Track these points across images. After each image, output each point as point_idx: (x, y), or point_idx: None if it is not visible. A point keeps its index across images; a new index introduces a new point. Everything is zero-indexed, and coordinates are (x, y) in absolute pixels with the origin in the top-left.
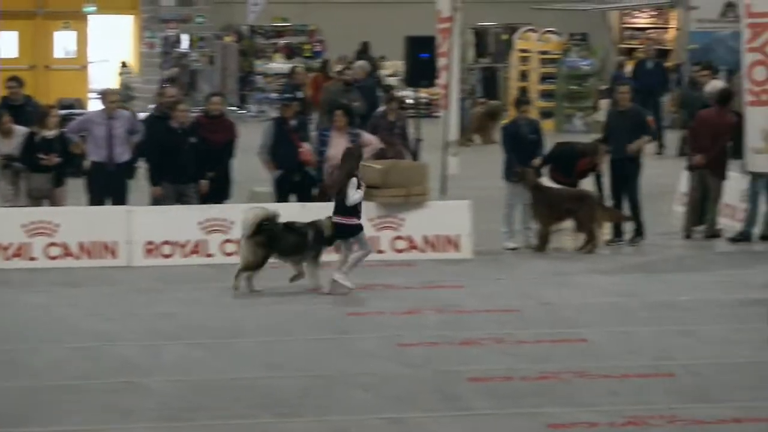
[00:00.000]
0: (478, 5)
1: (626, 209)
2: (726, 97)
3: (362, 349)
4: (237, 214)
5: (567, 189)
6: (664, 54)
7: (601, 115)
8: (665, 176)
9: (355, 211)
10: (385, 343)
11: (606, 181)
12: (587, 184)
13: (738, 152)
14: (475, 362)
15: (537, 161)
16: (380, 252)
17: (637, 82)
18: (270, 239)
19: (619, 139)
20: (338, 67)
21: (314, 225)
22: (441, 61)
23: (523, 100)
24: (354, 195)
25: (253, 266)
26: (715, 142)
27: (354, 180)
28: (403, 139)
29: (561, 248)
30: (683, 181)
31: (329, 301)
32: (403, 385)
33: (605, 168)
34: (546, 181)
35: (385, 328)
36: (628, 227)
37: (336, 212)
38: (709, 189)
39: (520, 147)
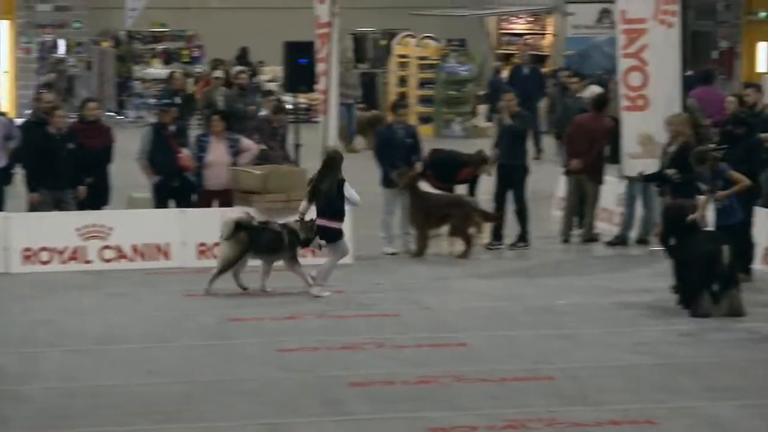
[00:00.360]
0: (356, 11)
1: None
2: (602, 103)
3: (243, 354)
4: (115, 220)
5: (444, 194)
6: (541, 60)
7: (479, 121)
8: (543, 181)
9: (340, 215)
10: (265, 348)
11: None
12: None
13: (615, 157)
14: (355, 367)
15: (418, 167)
16: None
17: (513, 87)
18: (250, 237)
19: (506, 145)
20: (218, 73)
21: (287, 226)
22: (320, 67)
23: (399, 104)
24: (354, 195)
25: (233, 264)
26: (591, 147)
27: (346, 183)
28: (282, 145)
29: (440, 253)
30: (561, 186)
31: (209, 306)
32: (284, 391)
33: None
34: (424, 186)
35: (265, 334)
36: (511, 231)
37: (321, 215)
38: (586, 193)
39: (396, 151)
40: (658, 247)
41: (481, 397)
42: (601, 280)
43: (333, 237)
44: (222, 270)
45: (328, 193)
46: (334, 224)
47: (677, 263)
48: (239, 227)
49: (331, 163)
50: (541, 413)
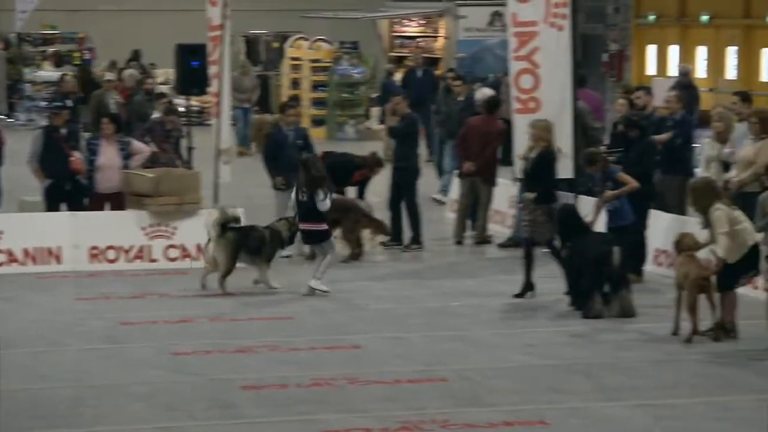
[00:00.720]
0: (248, 13)
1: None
2: (494, 105)
3: (135, 358)
4: (6, 224)
5: (336, 198)
6: (433, 62)
7: (372, 123)
8: (436, 183)
9: (322, 216)
10: (158, 351)
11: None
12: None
13: (507, 159)
14: (248, 370)
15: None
16: (153, 261)
17: (407, 90)
18: (238, 238)
19: (396, 148)
20: (109, 75)
21: (270, 227)
22: (212, 69)
23: (287, 104)
24: (326, 201)
25: (234, 261)
26: (484, 149)
27: (324, 187)
28: (176, 148)
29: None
30: (454, 188)
31: (101, 310)
32: (176, 394)
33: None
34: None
35: (158, 337)
36: (408, 232)
37: (304, 219)
38: (479, 195)
39: (287, 154)
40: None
41: (374, 399)
42: (494, 281)
43: (322, 238)
44: (227, 271)
45: (308, 198)
46: (319, 226)
47: (569, 265)
48: (225, 228)
49: (307, 168)
50: (434, 415)
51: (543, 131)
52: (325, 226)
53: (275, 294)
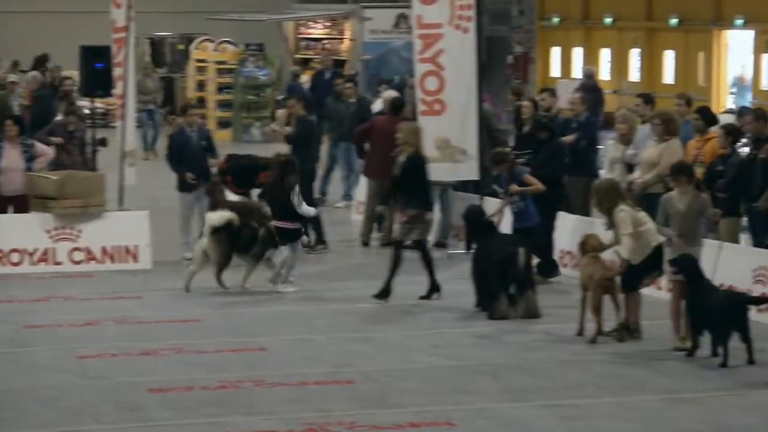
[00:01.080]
0: (153, 15)
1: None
2: (398, 106)
3: (40, 362)
4: None
5: (238, 201)
6: (340, 65)
7: (278, 125)
8: (340, 185)
9: (295, 215)
10: (63, 355)
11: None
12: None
13: None
14: (155, 373)
15: (214, 163)
16: (58, 264)
17: (315, 92)
18: (230, 235)
19: (294, 150)
20: (12, 77)
21: (267, 227)
22: (117, 71)
23: (188, 105)
24: (303, 205)
25: (228, 258)
26: (389, 150)
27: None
28: (81, 149)
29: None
30: (361, 190)
31: (4, 313)
32: (82, 398)
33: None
34: (223, 191)
35: (63, 341)
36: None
37: (277, 217)
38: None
39: (191, 155)
40: (456, 251)
41: (281, 401)
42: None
43: (292, 237)
44: (220, 267)
45: (279, 196)
46: (292, 225)
47: (475, 266)
48: (218, 229)
49: (281, 167)
50: (341, 416)
51: (411, 136)
52: (297, 225)
53: (180, 295)
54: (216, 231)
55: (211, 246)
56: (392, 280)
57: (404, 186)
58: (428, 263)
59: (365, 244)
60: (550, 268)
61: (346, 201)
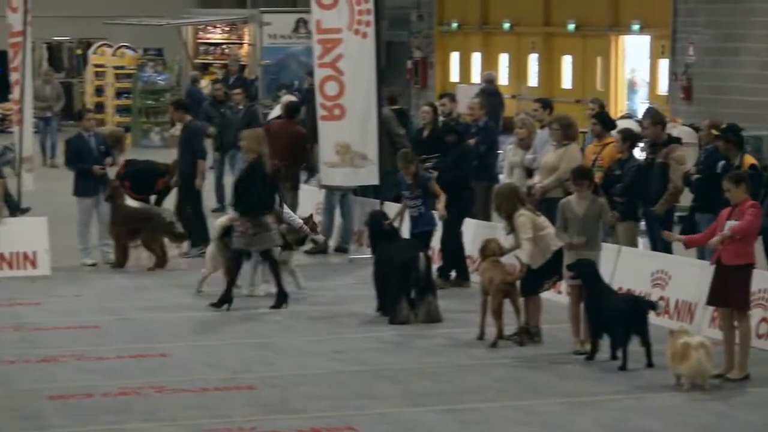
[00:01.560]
0: (51, 19)
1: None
2: (294, 110)
3: None
4: None
5: (137, 207)
6: (241, 69)
7: (177, 130)
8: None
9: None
10: None
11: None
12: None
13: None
14: (54, 380)
15: (108, 161)
16: None
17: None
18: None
19: (182, 154)
20: None
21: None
22: (13, 76)
23: (84, 110)
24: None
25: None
26: (286, 155)
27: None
28: None
29: (140, 264)
30: None
31: None
32: None
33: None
34: (124, 196)
35: None
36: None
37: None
38: (283, 201)
39: (89, 159)
40: (357, 255)
41: (182, 408)
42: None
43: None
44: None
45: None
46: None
47: (376, 270)
48: (226, 233)
49: (255, 169)
50: (242, 422)
51: (253, 142)
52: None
53: (79, 302)
54: (224, 235)
55: (220, 250)
56: (281, 284)
57: (246, 193)
58: (275, 272)
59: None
60: (461, 273)
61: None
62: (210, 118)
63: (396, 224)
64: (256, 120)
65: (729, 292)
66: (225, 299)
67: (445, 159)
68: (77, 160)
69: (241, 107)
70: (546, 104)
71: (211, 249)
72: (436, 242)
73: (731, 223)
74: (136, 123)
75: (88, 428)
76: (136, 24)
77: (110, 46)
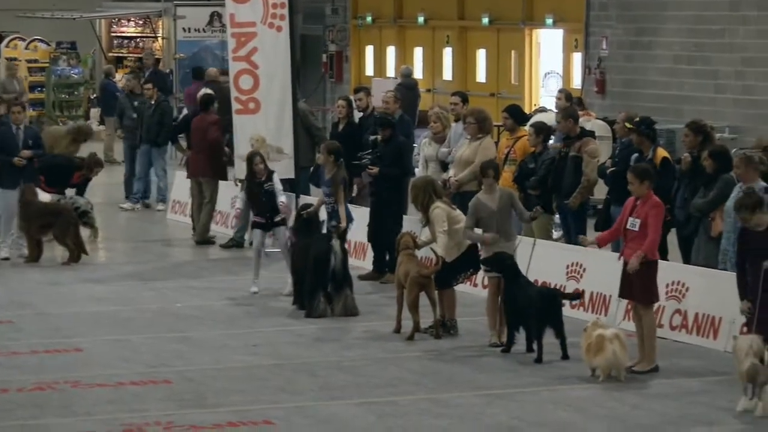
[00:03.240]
0: None
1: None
2: (207, 102)
3: None
4: None
5: (48, 203)
6: (157, 63)
7: (92, 124)
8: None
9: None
10: None
11: None
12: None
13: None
14: None
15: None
16: None
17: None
18: None
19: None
20: None
21: None
22: None
23: (14, 102)
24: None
25: None
26: (201, 147)
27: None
28: None
29: (57, 259)
30: (176, 189)
31: None
32: None
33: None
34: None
35: None
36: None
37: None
38: (204, 195)
39: (14, 152)
40: (273, 249)
41: (97, 402)
42: (218, 282)
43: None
44: None
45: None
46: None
47: (293, 264)
48: None
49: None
50: (158, 417)
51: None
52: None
53: None
54: None
55: None
56: None
57: None
58: None
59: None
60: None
61: (132, 202)
62: (124, 111)
63: (313, 211)
64: (167, 115)
65: (633, 286)
66: None
67: (378, 154)
68: (2, 148)
69: (153, 102)
70: (465, 98)
71: None
72: (355, 236)
73: (634, 221)
74: (49, 117)
75: (3, 424)
76: (49, 17)
77: (23, 39)
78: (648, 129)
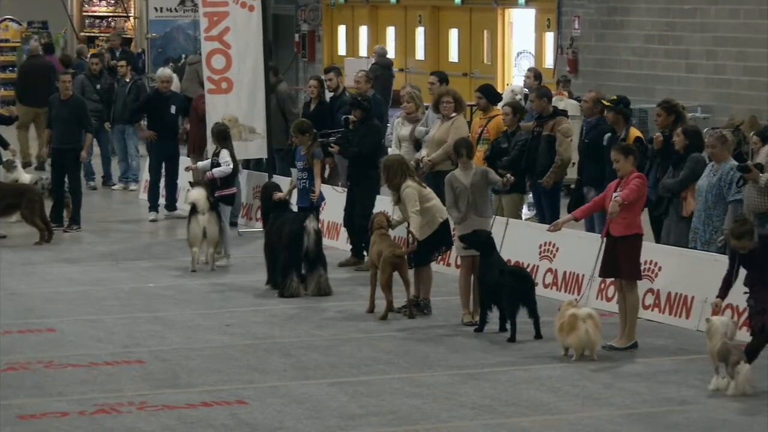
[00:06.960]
0: None
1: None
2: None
3: None
4: None
5: (10, 184)
6: (127, 43)
7: None
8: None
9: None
10: None
11: None
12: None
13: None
14: None
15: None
16: None
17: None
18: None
19: (61, 128)
20: None
21: None
22: None
23: None
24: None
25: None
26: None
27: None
28: None
29: (34, 239)
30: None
31: None
32: None
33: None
34: None
35: None
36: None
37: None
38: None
39: None
40: (246, 229)
41: (71, 383)
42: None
43: (230, 202)
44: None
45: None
46: (229, 191)
47: (266, 244)
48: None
49: (219, 135)
50: (132, 397)
51: None
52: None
53: None
54: (213, 207)
55: (210, 222)
56: None
57: None
58: None
59: (153, 221)
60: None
61: (122, 183)
62: (84, 91)
63: (287, 197)
64: (143, 93)
65: (618, 263)
66: None
67: (347, 135)
68: None
69: (128, 80)
70: (442, 78)
71: (200, 223)
72: (328, 216)
73: (618, 197)
74: None
75: None
76: None
77: None
78: (625, 108)
